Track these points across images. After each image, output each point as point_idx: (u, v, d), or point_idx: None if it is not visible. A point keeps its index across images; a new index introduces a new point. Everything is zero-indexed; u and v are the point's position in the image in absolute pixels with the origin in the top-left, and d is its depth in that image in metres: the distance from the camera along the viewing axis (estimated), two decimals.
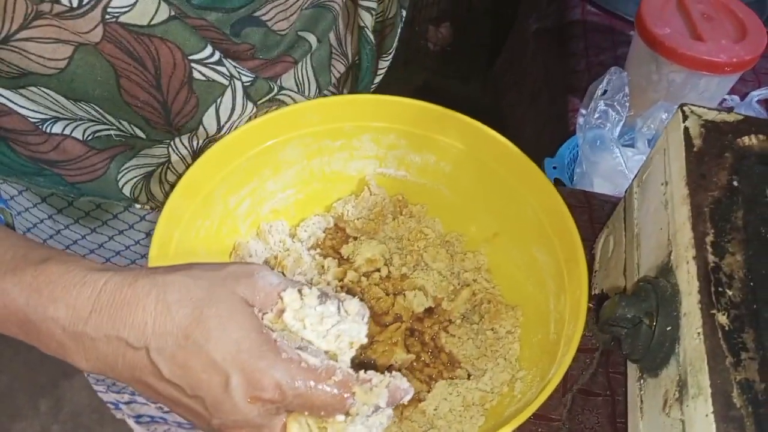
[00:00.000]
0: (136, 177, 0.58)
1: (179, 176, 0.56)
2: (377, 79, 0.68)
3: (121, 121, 0.52)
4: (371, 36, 0.63)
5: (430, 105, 0.60)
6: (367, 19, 0.62)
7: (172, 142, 0.55)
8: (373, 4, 0.62)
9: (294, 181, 0.64)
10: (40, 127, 0.52)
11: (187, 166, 0.55)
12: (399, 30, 0.67)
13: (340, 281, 0.61)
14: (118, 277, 0.39)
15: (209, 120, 0.54)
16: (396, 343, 0.58)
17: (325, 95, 0.63)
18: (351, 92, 0.66)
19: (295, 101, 0.59)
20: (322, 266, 0.62)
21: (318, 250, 0.64)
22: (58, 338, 0.40)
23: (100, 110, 0.51)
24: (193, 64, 0.49)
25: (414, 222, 0.66)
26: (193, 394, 0.39)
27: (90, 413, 1.51)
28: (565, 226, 0.53)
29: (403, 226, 0.66)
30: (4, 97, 0.50)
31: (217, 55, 0.50)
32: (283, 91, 0.58)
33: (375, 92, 0.63)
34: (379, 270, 0.62)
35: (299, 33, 0.57)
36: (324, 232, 0.66)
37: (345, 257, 0.63)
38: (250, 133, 0.58)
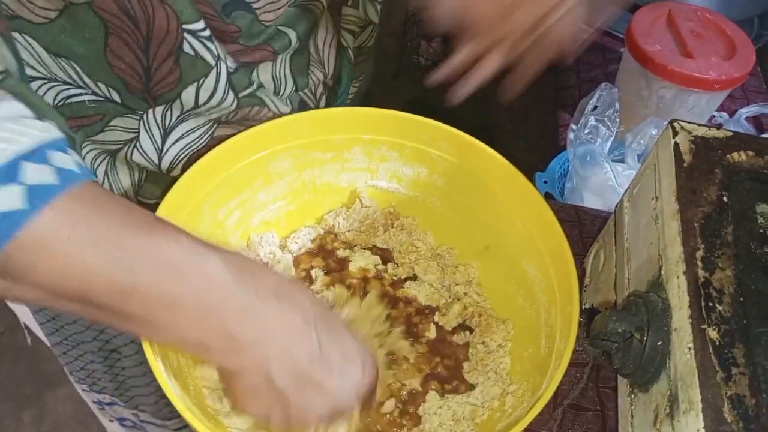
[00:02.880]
0: (101, 152, 0.58)
1: (146, 157, 0.57)
2: (348, 99, 0.71)
3: (98, 83, 0.52)
4: (351, 55, 0.66)
5: (421, 118, 0.60)
6: (350, 40, 0.65)
7: (145, 114, 0.56)
8: (356, 28, 0.65)
9: (285, 192, 0.64)
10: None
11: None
12: (371, 64, 0.71)
13: (327, 288, 0.61)
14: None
15: (188, 96, 0.54)
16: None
17: (302, 97, 0.64)
18: (327, 106, 0.68)
19: (272, 101, 0.59)
20: (310, 276, 0.62)
21: (304, 264, 0.64)
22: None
23: (80, 70, 0.51)
24: (185, 35, 0.50)
25: (405, 235, 0.66)
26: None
27: (74, 424, 1.49)
28: (556, 240, 0.53)
29: (395, 239, 0.66)
30: None
31: (208, 31, 0.51)
32: (261, 89, 0.59)
33: (365, 105, 0.64)
34: (371, 278, 0.63)
35: (279, 27, 0.58)
36: (312, 242, 0.66)
37: (340, 258, 0.63)
38: (240, 145, 0.58)
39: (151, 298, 0.40)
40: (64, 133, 0.41)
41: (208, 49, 0.52)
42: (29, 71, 0.51)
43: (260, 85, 0.59)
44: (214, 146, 0.57)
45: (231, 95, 0.56)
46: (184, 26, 0.49)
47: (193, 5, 0.49)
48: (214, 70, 0.53)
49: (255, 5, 0.54)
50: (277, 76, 0.61)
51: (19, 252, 0.36)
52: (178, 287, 0.41)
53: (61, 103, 0.54)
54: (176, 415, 0.87)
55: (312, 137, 0.61)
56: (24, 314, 0.89)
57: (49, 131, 0.39)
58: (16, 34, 0.49)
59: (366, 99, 0.75)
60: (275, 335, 0.44)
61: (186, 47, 0.51)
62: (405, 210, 0.67)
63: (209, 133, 0.60)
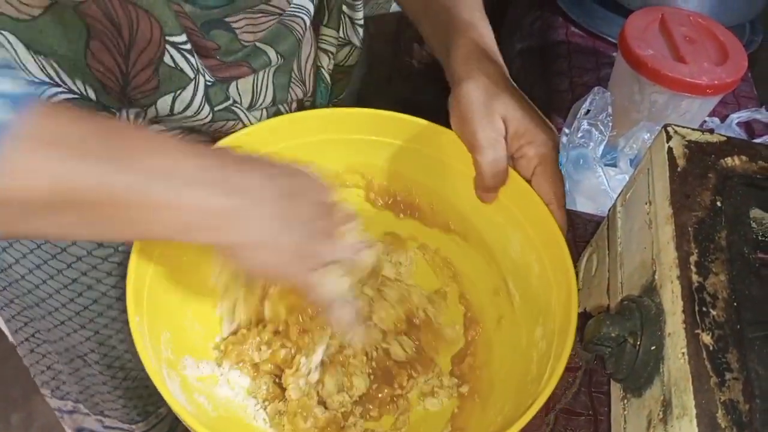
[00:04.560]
0: None
1: None
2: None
3: (76, 80, 0.52)
4: (327, 76, 0.67)
5: (413, 117, 0.60)
6: (324, 61, 0.66)
7: (118, 113, 0.55)
8: (332, 48, 0.66)
9: None
10: None
11: None
12: (352, 81, 0.72)
13: None
14: None
15: (163, 104, 0.54)
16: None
17: (279, 109, 0.64)
18: None
19: (247, 116, 0.60)
20: None
21: None
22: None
23: (58, 68, 0.51)
24: (168, 46, 0.50)
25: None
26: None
27: (62, 428, 1.48)
28: (555, 243, 0.54)
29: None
30: None
31: (190, 45, 0.51)
32: (236, 104, 0.59)
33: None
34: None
35: (258, 45, 0.58)
36: None
37: None
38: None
39: (129, 188, 0.40)
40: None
41: (188, 62, 0.52)
42: None
43: (236, 100, 0.59)
44: None
45: (207, 108, 0.56)
46: (167, 38, 0.49)
47: (176, 18, 0.49)
48: (192, 83, 0.53)
49: (234, 25, 0.54)
50: (258, 89, 0.61)
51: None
52: (153, 171, 0.40)
53: None
54: (144, 417, 0.87)
55: (304, 138, 0.61)
56: None
57: None
58: None
59: (358, 101, 0.76)
60: (250, 193, 0.44)
61: (167, 58, 0.51)
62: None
63: (180, 137, 0.59)
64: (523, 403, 0.47)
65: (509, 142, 0.57)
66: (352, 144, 0.62)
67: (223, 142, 0.56)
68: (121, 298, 0.71)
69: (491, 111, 0.56)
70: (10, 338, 0.82)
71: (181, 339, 0.54)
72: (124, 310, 0.73)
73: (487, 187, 0.57)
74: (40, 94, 0.38)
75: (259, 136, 0.58)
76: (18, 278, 0.69)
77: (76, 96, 0.53)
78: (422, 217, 0.66)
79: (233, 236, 0.44)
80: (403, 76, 2.12)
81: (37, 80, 0.52)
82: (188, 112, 0.55)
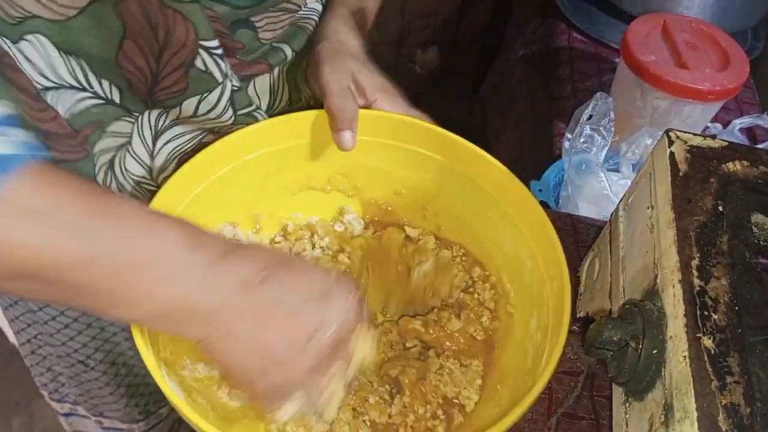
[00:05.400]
0: (104, 162, 0.58)
1: (139, 160, 0.58)
2: None
3: (102, 80, 0.53)
4: None
5: (417, 120, 0.61)
6: None
7: (140, 117, 0.56)
8: None
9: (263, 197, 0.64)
10: (41, 94, 0.52)
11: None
12: None
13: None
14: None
15: (188, 106, 0.55)
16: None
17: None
18: None
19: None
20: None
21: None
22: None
23: (87, 69, 0.52)
24: (200, 50, 0.51)
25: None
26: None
27: (63, 431, 1.48)
28: (549, 241, 0.54)
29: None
30: (12, 52, 0.49)
31: (221, 50, 0.52)
32: (258, 110, 0.60)
33: None
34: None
35: (274, 44, 0.60)
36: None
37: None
38: (229, 147, 0.58)
39: (105, 270, 0.39)
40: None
41: (218, 66, 0.53)
42: (41, 80, 0.51)
43: (257, 105, 0.60)
44: (198, 150, 0.57)
45: (230, 112, 0.57)
46: (201, 42, 0.50)
47: (210, 23, 0.51)
48: (220, 87, 0.54)
49: (257, 24, 0.56)
50: (275, 87, 0.63)
51: None
52: (133, 258, 0.39)
53: (68, 115, 0.54)
54: (145, 417, 0.87)
55: (302, 139, 0.61)
56: None
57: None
58: (30, 37, 0.49)
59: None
60: (231, 296, 0.42)
61: (198, 62, 0.52)
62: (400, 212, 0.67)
63: (198, 138, 0.60)
64: (520, 395, 0.47)
65: (365, 93, 0.60)
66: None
67: (223, 141, 0.57)
68: None
69: (339, 59, 0.59)
70: (12, 339, 0.83)
71: (179, 339, 0.54)
72: None
73: (337, 123, 0.57)
74: (34, 155, 0.37)
75: (260, 135, 0.59)
76: None
77: (101, 101, 0.54)
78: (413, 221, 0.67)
79: (215, 339, 0.42)
80: (405, 81, 2.13)
81: (66, 85, 0.52)
82: (211, 115, 0.56)
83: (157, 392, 0.43)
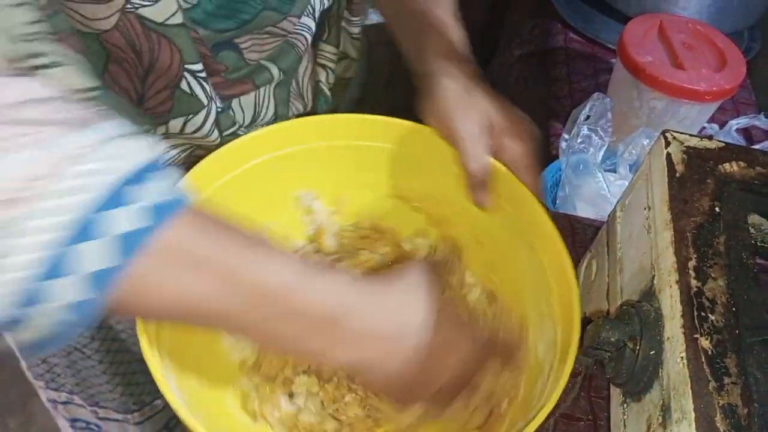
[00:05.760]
0: None
1: None
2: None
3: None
4: (327, 90, 0.67)
5: (417, 124, 0.60)
6: (323, 75, 0.67)
7: None
8: (331, 64, 0.66)
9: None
10: None
11: None
12: (350, 90, 0.73)
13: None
14: None
15: (175, 124, 0.55)
16: None
17: None
18: None
19: None
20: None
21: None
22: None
23: None
24: (185, 73, 0.51)
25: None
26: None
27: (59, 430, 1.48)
28: (556, 251, 0.54)
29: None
30: None
31: (205, 72, 0.52)
32: (242, 128, 0.60)
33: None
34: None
35: (262, 62, 0.59)
36: None
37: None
38: (234, 151, 0.57)
39: (240, 322, 0.40)
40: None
41: (203, 88, 0.53)
42: None
43: (241, 124, 0.60)
44: (192, 163, 0.57)
45: (216, 133, 0.57)
46: (186, 66, 0.50)
47: (194, 45, 0.50)
48: (205, 109, 0.54)
49: (242, 46, 0.56)
50: (259, 103, 0.62)
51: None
52: (266, 317, 0.41)
53: None
54: (140, 407, 0.87)
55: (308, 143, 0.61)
56: None
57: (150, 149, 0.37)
58: None
59: (357, 107, 0.76)
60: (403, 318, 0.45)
61: (183, 84, 0.52)
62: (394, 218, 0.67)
63: (188, 151, 0.60)
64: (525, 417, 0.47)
65: (491, 135, 0.56)
66: (351, 150, 0.62)
67: (223, 150, 0.57)
68: None
69: (470, 105, 0.56)
70: (7, 337, 0.82)
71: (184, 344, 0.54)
72: None
73: (475, 184, 0.56)
74: (186, 200, 0.37)
75: (263, 141, 0.59)
76: None
77: None
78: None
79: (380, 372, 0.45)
80: (401, 82, 2.12)
81: None
82: (198, 134, 0.56)
83: (152, 383, 0.44)
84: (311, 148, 0.60)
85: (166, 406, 0.88)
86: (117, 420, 0.88)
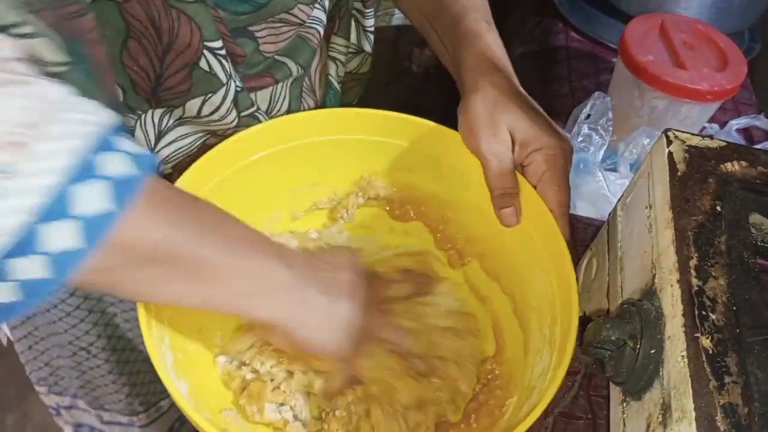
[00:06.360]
0: None
1: None
2: None
3: None
4: (336, 84, 0.67)
5: (421, 119, 0.60)
6: (332, 69, 0.67)
7: (143, 115, 0.56)
8: (341, 56, 0.66)
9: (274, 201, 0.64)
10: None
11: None
12: (363, 88, 0.73)
13: None
14: None
15: (192, 106, 0.55)
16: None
17: None
18: None
19: None
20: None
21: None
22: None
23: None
24: (205, 51, 0.51)
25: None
26: None
27: (58, 429, 1.48)
28: (558, 249, 0.54)
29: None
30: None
31: (225, 50, 0.52)
32: (260, 111, 0.60)
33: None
34: None
35: (277, 58, 0.59)
36: None
37: None
38: (237, 146, 0.57)
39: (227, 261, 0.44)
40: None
41: (222, 67, 0.53)
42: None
43: (259, 107, 0.60)
44: (205, 153, 0.57)
45: (234, 113, 0.57)
46: (206, 43, 0.50)
47: (214, 24, 0.50)
48: (224, 88, 0.54)
49: (257, 34, 0.56)
50: (274, 98, 0.62)
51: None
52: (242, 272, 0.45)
53: None
54: (145, 409, 0.87)
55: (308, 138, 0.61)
56: None
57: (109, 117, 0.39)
58: None
59: (358, 105, 0.76)
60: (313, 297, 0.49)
61: (202, 62, 0.52)
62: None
63: (202, 140, 0.60)
64: (522, 411, 0.47)
65: (518, 151, 0.57)
66: (360, 146, 0.62)
67: (228, 142, 0.57)
68: None
69: (497, 123, 0.56)
70: (7, 332, 0.82)
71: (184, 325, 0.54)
72: None
73: (497, 202, 0.58)
74: (153, 165, 0.41)
75: (270, 132, 0.59)
76: None
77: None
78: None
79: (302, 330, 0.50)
80: (402, 80, 2.12)
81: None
82: (215, 116, 0.56)
83: (158, 382, 0.44)
84: (313, 143, 0.61)
85: (171, 407, 0.88)
86: (122, 423, 0.88)
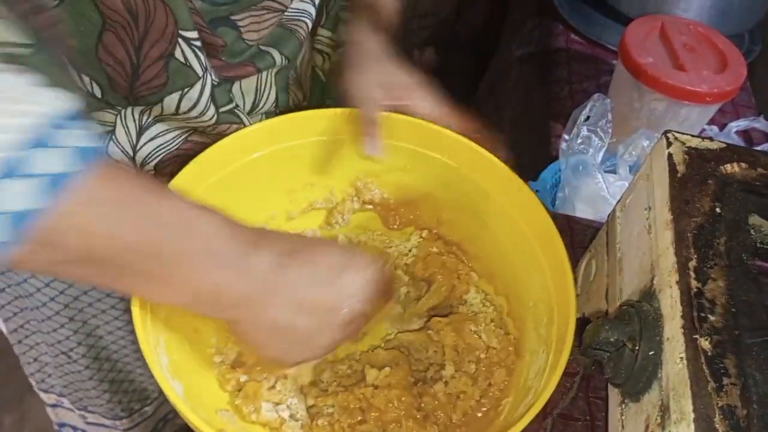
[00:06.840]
0: None
1: (121, 148, 0.58)
2: None
3: (83, 75, 0.52)
4: (322, 76, 0.68)
5: (420, 120, 0.60)
6: (319, 61, 0.68)
7: (123, 110, 0.56)
8: (327, 49, 0.67)
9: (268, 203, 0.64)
10: None
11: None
12: None
13: None
14: None
15: (170, 102, 0.55)
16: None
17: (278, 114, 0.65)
18: None
19: (249, 121, 0.60)
20: None
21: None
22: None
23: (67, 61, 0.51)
24: (180, 40, 0.51)
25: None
26: None
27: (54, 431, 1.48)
28: (555, 249, 0.54)
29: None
30: None
31: (200, 42, 0.52)
32: (239, 108, 0.60)
33: None
34: None
35: (262, 47, 0.59)
36: None
37: None
38: (233, 145, 0.57)
39: (154, 255, 0.42)
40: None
41: (198, 58, 0.52)
42: None
43: (238, 104, 0.60)
44: (188, 149, 0.57)
45: (212, 109, 0.56)
46: (181, 32, 0.50)
47: (190, 14, 0.50)
48: (200, 82, 0.54)
49: (240, 23, 0.55)
50: (260, 89, 0.62)
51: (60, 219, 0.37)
52: (180, 245, 0.43)
53: None
54: (128, 414, 0.86)
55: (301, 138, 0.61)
56: None
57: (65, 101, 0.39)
58: None
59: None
60: (261, 283, 0.46)
61: (177, 53, 0.51)
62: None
63: (183, 136, 0.60)
64: (519, 411, 0.47)
65: (390, 95, 0.60)
66: (356, 146, 0.62)
67: (223, 142, 0.57)
68: (110, 294, 0.71)
69: (368, 69, 0.61)
70: (2, 326, 0.82)
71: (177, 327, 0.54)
72: (114, 306, 0.72)
73: (367, 134, 0.60)
74: (105, 149, 0.39)
75: (266, 133, 0.59)
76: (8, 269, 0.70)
77: (81, 91, 0.53)
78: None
79: (244, 322, 0.47)
80: None
81: None
82: (193, 113, 0.56)
83: (141, 391, 0.44)
84: (303, 144, 0.61)
85: (156, 411, 0.88)
86: (105, 425, 0.88)
